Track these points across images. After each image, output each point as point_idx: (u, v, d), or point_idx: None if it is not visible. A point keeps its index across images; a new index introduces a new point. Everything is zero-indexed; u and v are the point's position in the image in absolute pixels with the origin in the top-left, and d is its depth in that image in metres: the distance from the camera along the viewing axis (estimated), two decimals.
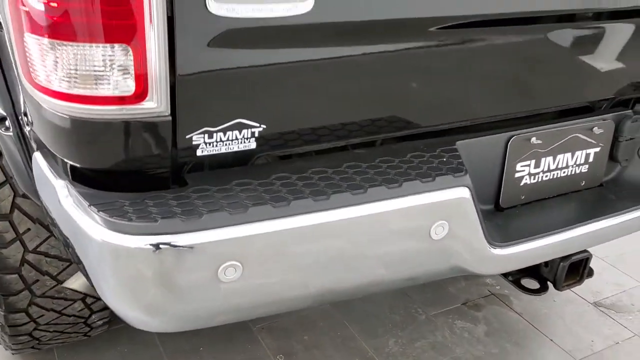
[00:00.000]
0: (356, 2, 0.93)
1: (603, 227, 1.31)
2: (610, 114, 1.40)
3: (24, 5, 0.83)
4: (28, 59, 0.88)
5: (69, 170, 0.97)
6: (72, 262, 1.40)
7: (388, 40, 1.01)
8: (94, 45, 0.81)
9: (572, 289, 2.09)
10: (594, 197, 1.41)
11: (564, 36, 1.21)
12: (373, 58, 1.01)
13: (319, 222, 0.96)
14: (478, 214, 1.11)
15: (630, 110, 1.44)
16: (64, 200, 0.92)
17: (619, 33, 1.28)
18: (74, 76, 0.84)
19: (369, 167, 1.07)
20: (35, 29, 0.83)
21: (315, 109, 1.03)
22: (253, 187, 0.97)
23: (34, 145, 1.06)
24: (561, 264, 1.35)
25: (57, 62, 0.84)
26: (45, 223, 1.42)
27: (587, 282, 1.56)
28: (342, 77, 1.01)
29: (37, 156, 1.03)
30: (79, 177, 0.96)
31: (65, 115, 0.87)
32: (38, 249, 1.52)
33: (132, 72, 0.83)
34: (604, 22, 1.23)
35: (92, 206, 0.89)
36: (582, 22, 1.22)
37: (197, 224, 0.89)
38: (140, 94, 0.85)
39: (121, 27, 0.81)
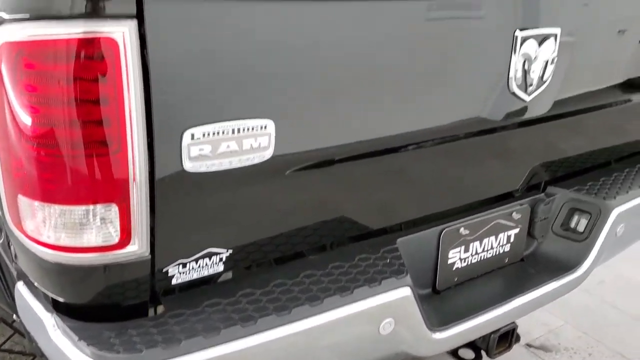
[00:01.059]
0: (306, 147, 1.10)
1: (525, 302, 1.50)
2: (526, 199, 1.61)
3: (19, 169, 0.93)
4: (18, 211, 0.98)
5: (52, 301, 1.07)
6: (36, 356, 1.46)
7: (335, 170, 1.17)
8: (82, 206, 0.93)
9: None
10: (516, 272, 1.61)
11: (481, 142, 1.40)
12: (319, 185, 1.18)
13: (282, 335, 1.09)
14: (419, 306, 1.27)
15: (542, 194, 1.65)
16: (53, 334, 1.02)
17: (526, 136, 1.49)
18: (63, 231, 0.94)
19: (323, 274, 1.22)
20: (27, 191, 0.94)
21: (275, 228, 1.17)
22: (222, 306, 1.10)
23: (15, 274, 1.15)
24: (492, 335, 1.54)
25: (46, 219, 0.94)
26: (9, 321, 1.49)
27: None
28: (295, 202, 1.16)
29: (21, 287, 1.12)
30: (63, 309, 1.06)
31: (51, 261, 0.98)
32: (2, 347, 1.59)
33: (117, 225, 0.95)
34: (513, 129, 1.44)
35: (81, 340, 0.99)
36: (495, 133, 1.41)
37: (177, 351, 1.00)
38: (124, 241, 0.97)
39: (108, 189, 0.92)
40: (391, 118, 1.20)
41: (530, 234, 1.64)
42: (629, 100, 1.72)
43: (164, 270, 1.04)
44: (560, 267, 1.64)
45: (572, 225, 1.68)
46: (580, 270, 1.62)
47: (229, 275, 1.19)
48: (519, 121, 1.42)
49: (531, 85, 1.35)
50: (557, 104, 1.48)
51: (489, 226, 1.52)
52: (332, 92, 1.10)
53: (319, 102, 1.08)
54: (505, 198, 1.62)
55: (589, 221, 1.65)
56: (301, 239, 1.23)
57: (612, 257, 1.83)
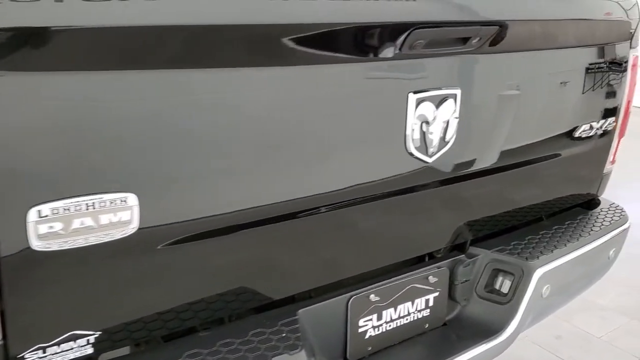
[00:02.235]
0: (179, 219, 1.05)
1: None
2: (445, 261, 1.56)
3: None
4: None
5: None
6: None
7: (221, 241, 1.12)
8: None
9: None
10: (437, 338, 1.55)
11: (386, 205, 1.36)
12: (203, 257, 1.12)
13: None
14: None
15: (463, 255, 1.61)
16: None
17: (435, 197, 1.45)
18: None
19: (210, 353, 1.15)
20: None
21: (153, 304, 1.10)
22: None
23: None
24: None
25: None
26: None
27: None
28: (174, 276, 1.10)
29: None
30: None
31: None
32: None
33: None
34: (419, 191, 1.40)
35: None
36: (399, 196, 1.37)
37: None
38: None
39: None
40: (281, 184, 1.16)
41: (451, 297, 1.59)
42: (552, 156, 1.70)
43: (20, 356, 0.97)
44: (484, 331, 1.57)
45: (497, 286, 1.63)
46: (504, 334, 1.56)
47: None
48: (424, 183, 1.38)
49: (432, 146, 1.32)
50: (465, 163, 1.45)
51: (403, 291, 1.46)
52: (208, 158, 1.05)
53: (191, 170, 1.04)
54: (425, 260, 1.57)
55: (512, 283, 1.60)
56: (191, 314, 1.17)
57: (543, 319, 1.78)
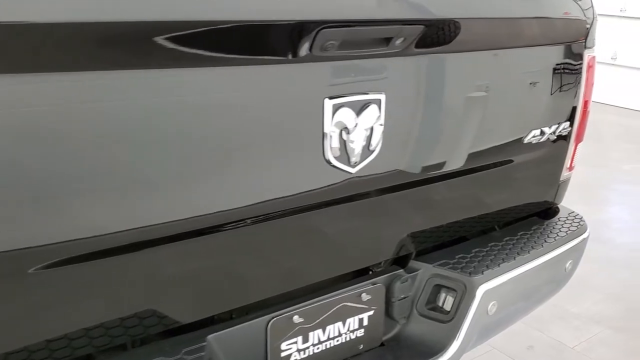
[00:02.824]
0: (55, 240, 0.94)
1: None
2: (381, 277, 1.46)
3: None
4: None
5: None
6: None
7: (111, 262, 1.01)
8: None
9: None
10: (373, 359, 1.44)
11: (310, 219, 1.25)
12: (89, 280, 1.01)
13: None
14: None
15: (402, 270, 1.50)
16: None
17: (366, 209, 1.35)
18: None
19: None
20: None
21: (32, 332, 1.00)
22: None
23: None
24: None
25: None
26: None
27: None
28: (54, 302, 0.99)
29: None
30: None
31: None
32: None
33: None
34: (348, 203, 1.29)
35: None
36: (323, 208, 1.27)
37: None
38: None
39: None
40: (181, 198, 1.05)
41: (389, 315, 1.48)
42: (501, 163, 1.60)
43: None
44: (425, 351, 1.47)
45: (439, 303, 1.52)
46: (446, 354, 1.45)
47: None
48: (350, 194, 1.28)
49: (354, 156, 1.21)
50: (398, 173, 1.34)
51: (332, 311, 1.36)
52: (86, 168, 0.94)
53: (62, 183, 0.92)
54: (360, 276, 1.46)
55: (454, 299, 1.50)
56: (85, 341, 1.06)
57: (491, 337, 1.68)
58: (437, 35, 1.25)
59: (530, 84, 1.55)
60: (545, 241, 1.70)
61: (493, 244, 1.66)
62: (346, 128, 1.18)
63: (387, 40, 1.18)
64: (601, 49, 7.19)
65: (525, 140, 1.59)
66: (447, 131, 1.40)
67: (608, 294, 3.41)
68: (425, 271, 1.52)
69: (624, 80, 7.68)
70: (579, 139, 1.78)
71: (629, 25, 7.60)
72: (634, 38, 7.58)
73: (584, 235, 1.81)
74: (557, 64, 1.60)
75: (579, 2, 1.63)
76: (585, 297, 3.37)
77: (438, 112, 1.37)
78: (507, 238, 1.69)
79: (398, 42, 1.20)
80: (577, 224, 1.81)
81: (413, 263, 1.53)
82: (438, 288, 1.52)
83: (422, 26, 1.20)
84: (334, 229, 1.31)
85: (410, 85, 1.29)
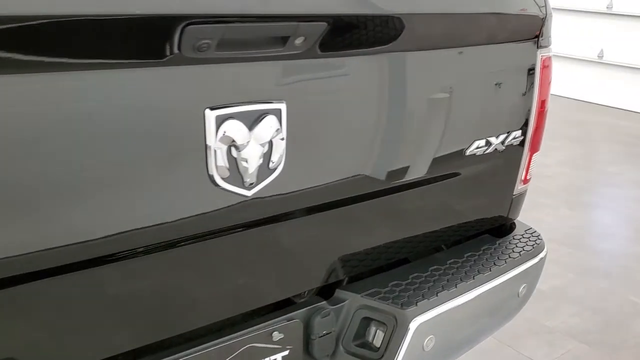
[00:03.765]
0: None
1: None
2: (298, 311, 1.27)
3: None
4: None
5: None
6: None
7: None
8: None
9: None
10: None
11: (203, 250, 1.07)
12: None
13: None
14: None
15: (324, 302, 1.32)
16: None
17: (272, 237, 1.16)
18: None
19: None
20: None
21: None
22: None
23: None
24: None
25: None
26: None
27: None
28: None
29: None
30: None
31: None
32: None
33: None
34: (245, 231, 1.11)
35: None
36: (218, 237, 1.08)
37: None
38: None
39: None
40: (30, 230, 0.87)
41: (309, 354, 1.30)
42: (441, 178, 1.42)
43: None
44: None
45: (369, 339, 1.34)
46: None
47: None
48: (252, 220, 1.09)
49: (249, 176, 1.03)
50: (312, 192, 1.16)
51: (235, 354, 1.17)
52: None
53: None
54: (274, 310, 1.28)
55: (385, 334, 1.32)
56: None
57: None
58: (348, 33, 1.07)
59: (473, 88, 1.37)
60: (495, 264, 1.52)
61: (435, 267, 1.47)
62: (235, 144, 0.99)
63: (284, 40, 1.00)
64: (587, 46, 7.04)
65: (468, 152, 1.40)
66: (372, 142, 1.22)
67: (585, 306, 3.23)
68: (352, 302, 1.34)
69: (611, 79, 7.53)
70: (534, 149, 1.60)
71: (616, 22, 7.44)
72: (621, 35, 7.42)
73: (541, 255, 1.63)
74: (504, 66, 1.42)
75: None
76: (561, 309, 3.20)
77: (358, 121, 1.18)
78: (452, 261, 1.51)
79: (298, 42, 1.01)
80: (533, 242, 1.63)
81: (340, 293, 1.35)
82: (367, 321, 1.34)
83: (325, 23, 1.01)
84: (234, 259, 1.13)
85: (321, 91, 1.11)
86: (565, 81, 7.82)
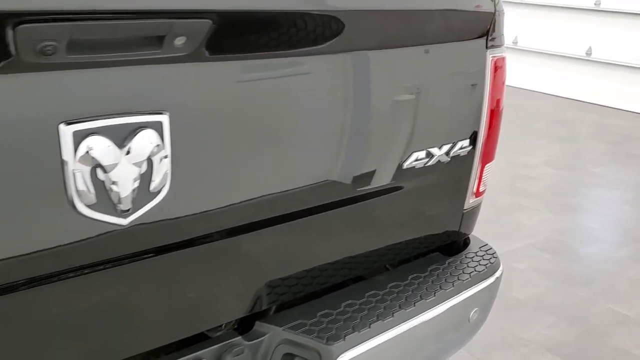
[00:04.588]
0: None
1: None
2: (206, 350, 1.12)
3: None
4: None
5: None
6: None
7: None
8: None
9: None
10: None
11: (73, 288, 0.91)
12: None
13: None
14: None
15: (239, 337, 1.16)
16: None
17: (169, 267, 1.01)
18: None
19: None
20: None
21: None
22: None
23: None
24: None
25: None
26: None
27: None
28: None
29: None
30: None
31: None
32: None
33: None
34: (137, 262, 0.95)
35: None
36: (95, 272, 0.92)
37: None
38: None
39: None
40: None
41: None
42: (380, 193, 1.26)
43: None
44: None
45: None
46: None
47: None
48: (132, 252, 0.93)
49: (124, 202, 0.87)
50: (216, 215, 1.01)
51: None
52: None
53: None
54: (181, 348, 1.13)
55: None
56: None
57: None
58: (246, 33, 0.91)
59: (409, 95, 1.21)
60: (441, 287, 1.36)
61: (372, 293, 1.32)
62: (101, 165, 0.84)
63: (159, 41, 0.84)
64: (575, 43, 6.90)
65: (406, 165, 1.25)
66: (286, 154, 1.06)
67: (563, 316, 3.09)
68: (273, 336, 1.18)
69: (599, 76, 7.39)
70: (486, 159, 1.44)
71: (604, 19, 7.30)
72: (609, 32, 7.28)
73: (496, 275, 1.48)
74: (446, 69, 1.27)
75: None
76: (538, 319, 3.05)
77: (266, 131, 1.02)
78: (393, 284, 1.36)
79: (178, 42, 0.85)
80: (486, 262, 1.48)
81: (259, 326, 1.19)
82: (290, 358, 1.19)
83: (209, 21, 0.86)
84: (118, 296, 0.97)
85: (216, 99, 0.95)
86: (553, 79, 7.68)
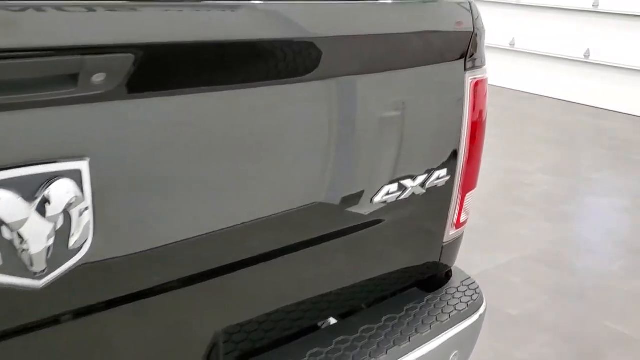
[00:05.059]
0: None
1: None
2: None
3: None
4: None
5: None
6: None
7: None
8: None
9: None
10: None
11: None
12: None
13: None
14: None
15: None
16: None
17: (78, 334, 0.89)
18: None
19: None
20: None
21: None
22: None
23: None
24: None
25: None
26: None
27: None
28: None
29: None
30: None
31: None
32: None
33: None
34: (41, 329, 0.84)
35: None
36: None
37: None
38: None
39: None
40: None
41: None
42: (342, 233, 1.15)
43: None
44: None
45: None
46: None
47: None
48: (49, 317, 0.82)
49: (38, 263, 0.76)
50: (151, 270, 0.89)
51: None
52: None
53: None
54: None
55: None
56: None
57: None
58: (175, 66, 0.80)
59: (380, 125, 1.10)
60: (417, 331, 1.25)
61: (341, 339, 1.21)
62: (4, 223, 0.73)
63: (72, 78, 0.73)
64: (573, 45, 6.80)
65: (377, 200, 1.14)
66: (234, 197, 0.95)
67: (559, 333, 2.98)
68: None
69: (598, 79, 7.27)
70: (467, 188, 1.33)
71: (602, 20, 7.18)
72: (607, 34, 7.16)
73: (479, 312, 1.37)
74: (419, 95, 1.15)
75: (459, 11, 1.18)
76: (532, 338, 2.94)
77: (210, 170, 0.91)
78: (365, 327, 1.25)
79: (97, 80, 0.74)
80: (468, 298, 1.37)
81: None
82: None
83: (132, 55, 0.74)
84: None
85: (143, 140, 0.83)
86: (550, 81, 7.57)
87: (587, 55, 7.35)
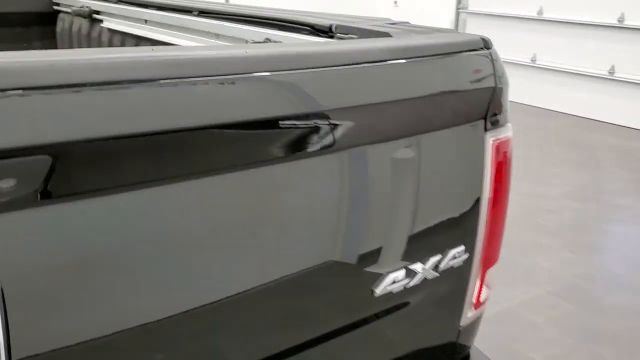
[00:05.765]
0: None
1: None
2: None
3: None
4: None
5: None
6: None
7: None
8: None
9: None
10: None
11: None
12: None
13: None
14: None
15: None
16: None
17: None
18: None
19: None
20: None
21: None
22: None
23: None
24: None
25: None
26: None
27: None
28: None
29: None
30: None
31: None
32: None
33: None
34: None
35: None
36: None
37: None
38: None
39: None
40: None
41: None
42: (344, 330, 0.97)
43: None
44: None
45: None
46: None
47: None
48: None
49: None
50: None
51: None
52: None
53: None
54: None
55: None
56: None
57: None
58: (102, 164, 0.63)
59: (385, 200, 0.92)
60: None
61: None
62: None
63: None
64: (597, 61, 6.56)
65: (379, 292, 0.95)
66: (187, 301, 0.77)
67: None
68: None
69: (623, 96, 7.01)
70: (488, 263, 1.14)
71: (628, 36, 6.93)
72: (633, 50, 6.91)
73: None
74: (433, 164, 0.97)
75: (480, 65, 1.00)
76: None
77: (162, 271, 0.73)
78: None
79: (5, 186, 0.57)
80: None
81: None
82: None
83: (48, 157, 0.57)
84: None
85: (72, 253, 0.66)
86: (572, 98, 7.33)
87: (611, 71, 7.10)
